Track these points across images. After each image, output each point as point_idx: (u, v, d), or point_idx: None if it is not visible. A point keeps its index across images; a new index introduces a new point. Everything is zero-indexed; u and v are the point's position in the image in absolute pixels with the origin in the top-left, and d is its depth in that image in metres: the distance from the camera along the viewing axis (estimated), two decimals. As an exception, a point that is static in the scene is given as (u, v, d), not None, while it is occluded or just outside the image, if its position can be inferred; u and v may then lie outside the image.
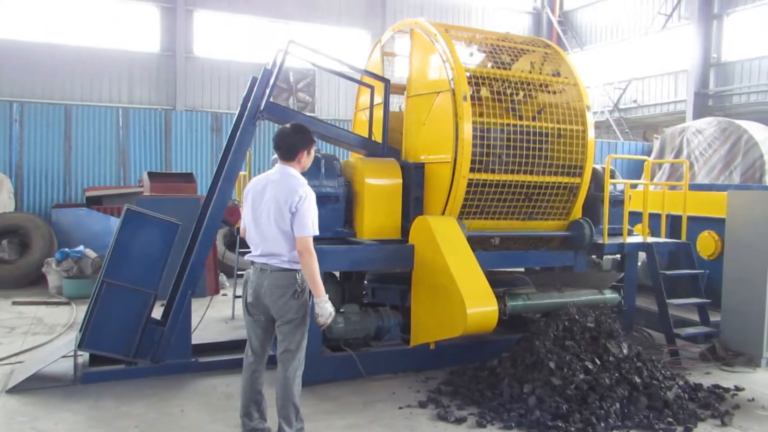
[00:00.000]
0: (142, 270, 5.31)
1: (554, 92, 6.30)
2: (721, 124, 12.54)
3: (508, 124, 5.90)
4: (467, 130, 5.66)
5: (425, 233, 5.51)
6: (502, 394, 4.89)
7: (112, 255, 5.24)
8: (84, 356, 5.58)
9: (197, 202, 7.54)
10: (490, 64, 6.24)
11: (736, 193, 6.74)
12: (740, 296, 6.37)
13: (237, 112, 5.91)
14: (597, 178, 6.65)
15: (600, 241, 6.35)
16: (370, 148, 6.45)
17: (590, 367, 4.97)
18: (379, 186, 5.92)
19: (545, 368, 4.93)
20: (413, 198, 6.03)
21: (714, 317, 6.79)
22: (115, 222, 9.21)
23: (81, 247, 9.47)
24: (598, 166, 6.80)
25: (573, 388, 4.75)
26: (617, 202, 6.84)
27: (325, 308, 3.90)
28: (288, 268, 3.92)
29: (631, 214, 6.97)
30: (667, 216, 7.34)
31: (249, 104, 5.77)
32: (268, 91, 5.76)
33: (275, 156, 4.18)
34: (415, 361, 5.77)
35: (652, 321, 6.80)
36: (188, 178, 11.04)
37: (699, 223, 8.37)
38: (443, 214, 5.82)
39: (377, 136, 6.51)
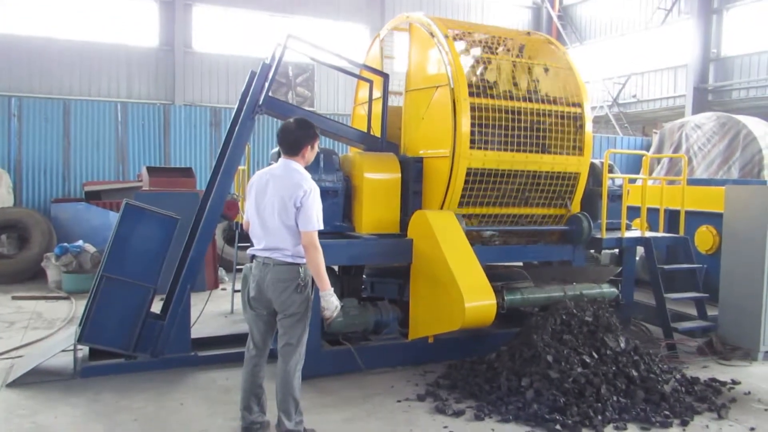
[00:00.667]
0: (141, 264, 5.32)
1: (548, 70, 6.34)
2: (720, 119, 12.54)
3: (506, 108, 5.90)
4: (465, 125, 5.67)
5: (424, 227, 5.52)
6: (500, 388, 4.91)
7: (111, 249, 5.25)
8: (83, 350, 5.59)
9: (196, 196, 7.56)
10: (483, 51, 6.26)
11: (734, 187, 6.76)
12: (737, 291, 6.40)
13: (236, 107, 5.91)
14: (595, 173, 6.67)
15: (598, 236, 6.36)
16: (368, 142, 6.45)
17: (588, 360, 4.99)
18: (377, 180, 5.93)
19: (543, 362, 4.95)
20: (412, 192, 6.04)
21: (711, 311, 6.82)
22: (114, 217, 9.20)
23: (80, 242, 9.48)
24: (597, 161, 6.82)
25: (570, 381, 4.78)
26: (615, 196, 6.84)
27: (331, 302, 3.92)
28: (291, 262, 3.93)
29: (630, 208, 6.98)
30: (665, 211, 7.35)
31: (248, 99, 5.76)
32: (266, 86, 5.76)
33: (275, 149, 4.17)
34: (413, 354, 5.79)
35: (650, 315, 6.82)
36: (187, 172, 11.03)
37: (697, 218, 8.39)
38: (442, 208, 5.83)
39: (376, 131, 6.52)
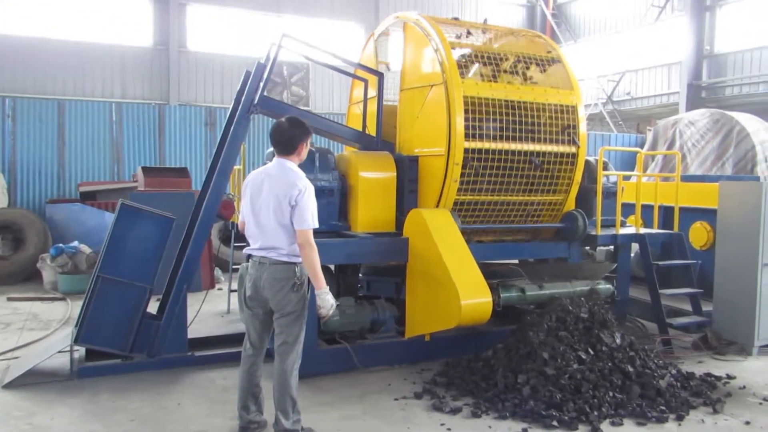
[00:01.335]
0: (137, 265, 5.31)
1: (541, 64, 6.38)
2: (714, 115, 12.60)
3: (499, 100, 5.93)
4: (460, 124, 5.68)
5: (419, 226, 5.53)
6: (497, 385, 4.93)
7: (107, 250, 5.24)
8: (80, 351, 5.58)
9: (192, 196, 7.54)
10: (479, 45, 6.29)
11: (728, 183, 6.79)
12: (732, 286, 6.43)
13: (231, 106, 5.91)
14: (590, 170, 6.69)
15: (593, 233, 6.40)
16: (364, 141, 6.46)
17: (584, 357, 5.02)
18: (373, 179, 5.94)
19: (539, 358, 4.98)
20: (407, 191, 6.05)
21: (706, 307, 6.85)
22: (109, 217, 9.20)
23: (75, 243, 9.46)
24: (592, 158, 6.84)
25: (567, 377, 4.80)
26: (610, 193, 6.88)
27: (327, 300, 3.93)
28: (287, 261, 3.94)
29: (624, 205, 7.01)
30: (659, 207, 7.39)
31: (243, 98, 5.76)
32: (261, 85, 5.76)
33: (271, 149, 4.19)
34: (410, 353, 5.80)
35: (645, 311, 6.85)
36: (182, 172, 11.01)
37: (691, 214, 8.43)
38: (437, 206, 5.85)
39: (371, 130, 6.53)
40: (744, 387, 5.30)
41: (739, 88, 18.01)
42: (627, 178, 8.15)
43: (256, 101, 5.72)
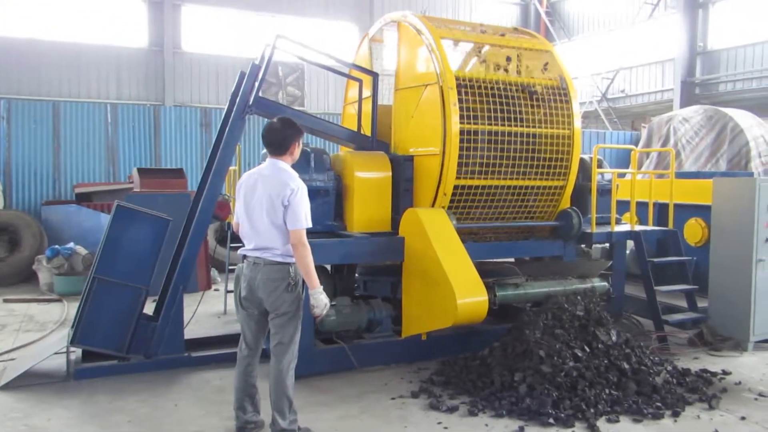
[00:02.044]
0: (133, 266, 5.31)
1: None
2: (708, 112, 12.63)
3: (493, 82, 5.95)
4: (455, 123, 5.69)
5: (415, 225, 5.54)
6: (493, 383, 4.95)
7: (102, 251, 5.24)
8: (76, 352, 5.59)
9: (187, 197, 7.55)
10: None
11: (722, 180, 6.82)
12: (727, 282, 6.46)
13: (226, 107, 5.91)
14: (585, 168, 6.71)
15: (588, 231, 6.41)
16: (359, 141, 6.47)
17: (580, 354, 5.03)
18: (368, 179, 5.95)
19: (535, 357, 4.99)
20: (403, 190, 6.06)
21: (701, 303, 6.88)
22: (105, 218, 9.19)
23: (71, 244, 9.45)
24: (586, 156, 6.86)
25: (563, 375, 4.81)
26: (605, 191, 6.90)
27: (320, 299, 3.94)
28: (281, 262, 3.95)
29: (619, 203, 7.03)
30: (654, 204, 7.41)
31: (238, 99, 5.76)
32: (256, 86, 5.76)
33: (265, 150, 4.20)
34: (406, 352, 5.81)
35: (641, 308, 6.87)
36: (178, 173, 11.01)
37: (686, 211, 8.45)
38: (433, 206, 5.85)
39: (366, 130, 6.53)
40: (739, 383, 5.33)
41: (733, 84, 18.06)
42: (622, 175, 8.17)
43: (251, 102, 5.73)
